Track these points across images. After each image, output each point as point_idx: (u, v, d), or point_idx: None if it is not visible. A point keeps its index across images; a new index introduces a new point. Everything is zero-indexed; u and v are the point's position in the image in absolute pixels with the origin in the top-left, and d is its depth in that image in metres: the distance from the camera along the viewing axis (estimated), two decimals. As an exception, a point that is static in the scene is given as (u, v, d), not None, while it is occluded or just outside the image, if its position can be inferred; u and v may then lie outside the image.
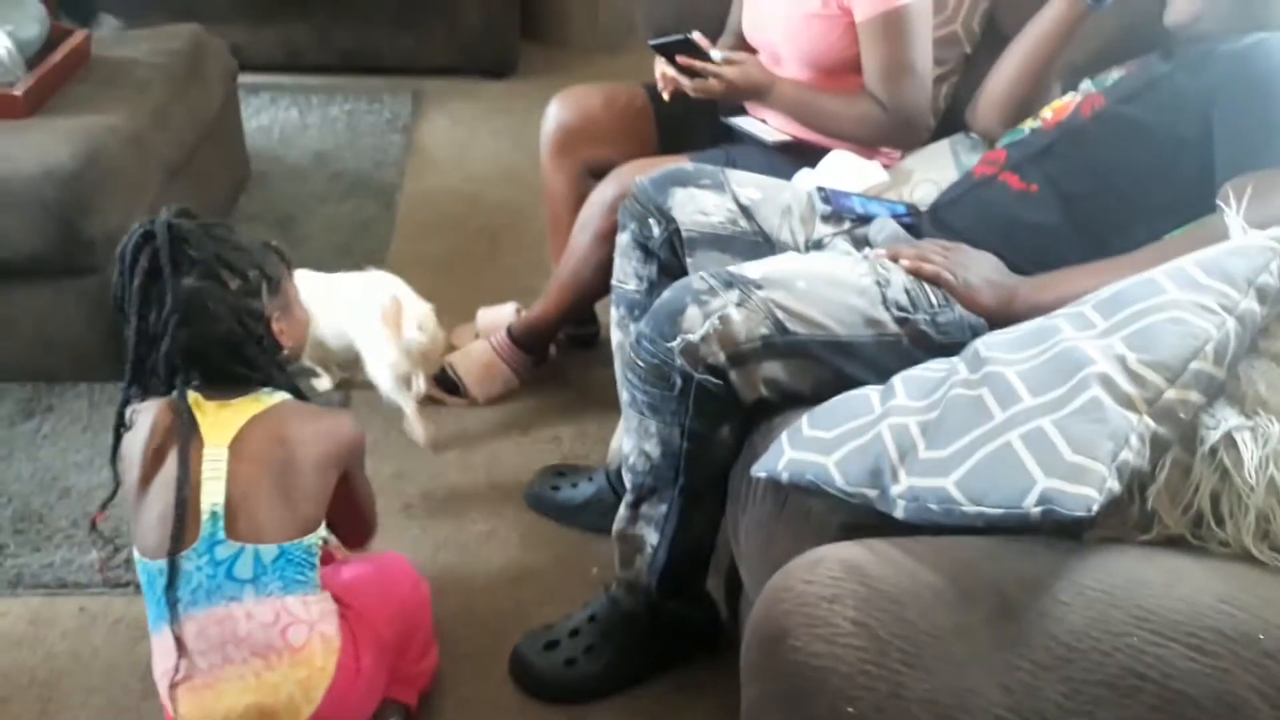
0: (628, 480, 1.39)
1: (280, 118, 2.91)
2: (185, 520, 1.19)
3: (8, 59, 1.93)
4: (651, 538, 1.39)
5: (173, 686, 1.20)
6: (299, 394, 1.34)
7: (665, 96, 1.77)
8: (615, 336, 1.61)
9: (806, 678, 0.80)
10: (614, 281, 1.59)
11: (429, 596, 1.48)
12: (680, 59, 1.68)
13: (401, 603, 1.38)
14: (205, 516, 1.20)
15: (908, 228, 1.48)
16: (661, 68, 1.74)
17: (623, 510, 1.42)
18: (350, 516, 1.39)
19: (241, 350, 1.26)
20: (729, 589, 1.51)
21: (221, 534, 1.19)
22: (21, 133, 1.87)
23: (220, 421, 1.24)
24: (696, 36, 1.69)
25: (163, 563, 1.19)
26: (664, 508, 1.36)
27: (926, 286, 1.29)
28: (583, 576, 1.66)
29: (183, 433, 1.22)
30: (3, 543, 1.65)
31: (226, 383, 1.27)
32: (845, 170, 1.65)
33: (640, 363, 1.27)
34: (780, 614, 0.84)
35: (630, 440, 1.35)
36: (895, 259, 1.33)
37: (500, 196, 2.64)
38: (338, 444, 1.29)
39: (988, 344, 1.07)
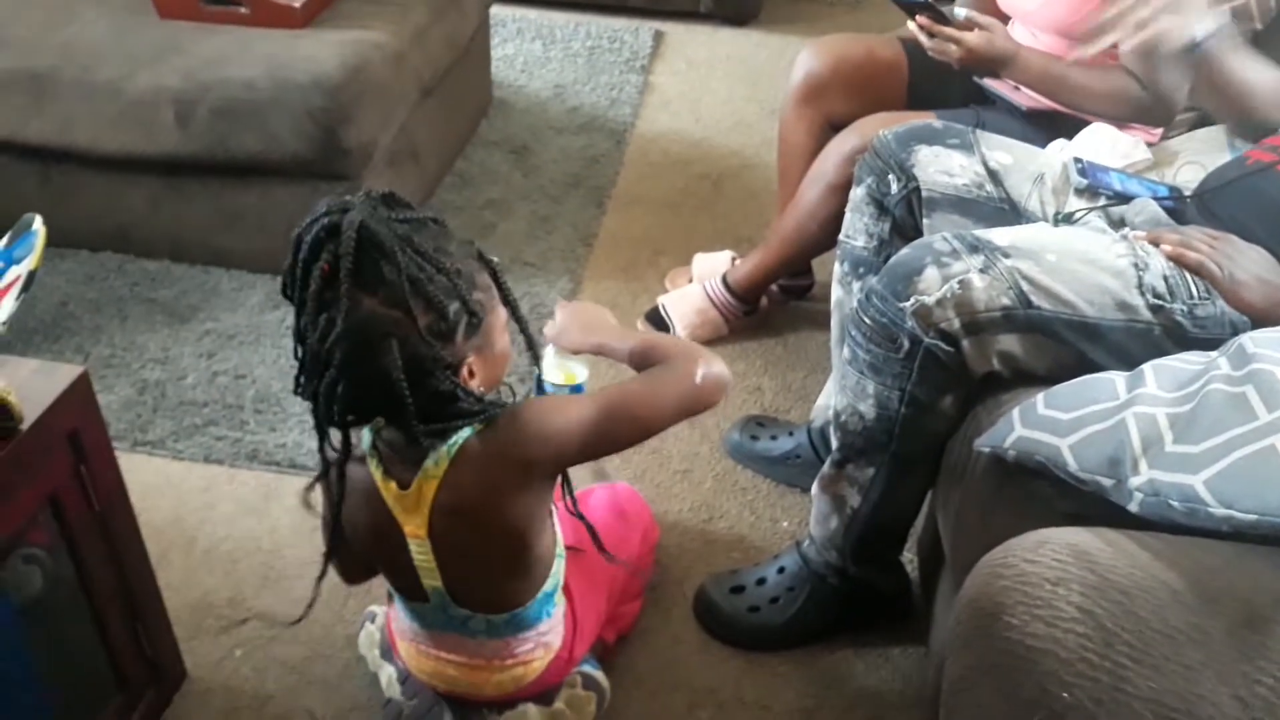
0: (835, 439, 1.37)
1: (525, 49, 2.99)
2: (413, 590, 1.18)
3: (291, -28, 2.06)
4: (853, 499, 1.36)
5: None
6: (486, 411, 1.07)
7: None
8: (835, 293, 1.58)
9: (1021, 656, 0.77)
10: (842, 237, 1.56)
11: (656, 544, 1.50)
12: (920, 18, 1.62)
13: (628, 561, 1.38)
14: (430, 591, 1.16)
15: (1169, 212, 1.38)
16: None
17: (827, 468, 1.40)
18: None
19: (404, 408, 1.00)
20: (925, 562, 1.47)
21: (450, 604, 1.16)
22: (296, 42, 1.98)
23: (407, 506, 1.09)
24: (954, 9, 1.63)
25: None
26: (871, 471, 1.33)
27: (1188, 276, 1.20)
28: (772, 527, 1.66)
29: (380, 519, 1.12)
30: (245, 419, 1.79)
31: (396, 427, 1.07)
32: (1105, 144, 1.55)
33: (867, 320, 1.24)
34: (998, 590, 0.81)
35: (844, 398, 1.32)
36: (1156, 243, 1.24)
37: (728, 144, 2.63)
38: (525, 470, 1.08)
39: (1255, 340, 0.99)
